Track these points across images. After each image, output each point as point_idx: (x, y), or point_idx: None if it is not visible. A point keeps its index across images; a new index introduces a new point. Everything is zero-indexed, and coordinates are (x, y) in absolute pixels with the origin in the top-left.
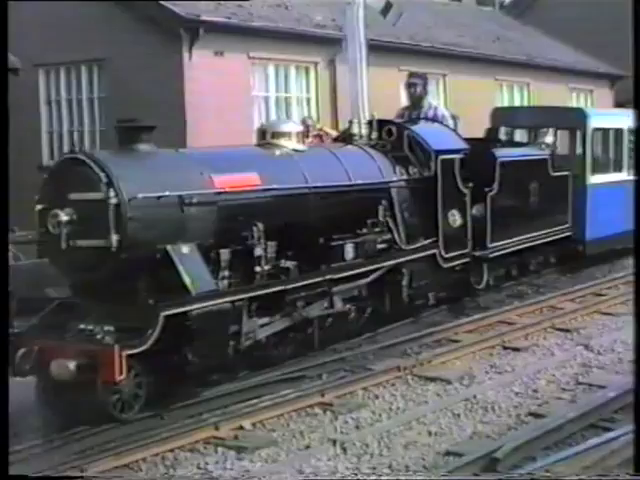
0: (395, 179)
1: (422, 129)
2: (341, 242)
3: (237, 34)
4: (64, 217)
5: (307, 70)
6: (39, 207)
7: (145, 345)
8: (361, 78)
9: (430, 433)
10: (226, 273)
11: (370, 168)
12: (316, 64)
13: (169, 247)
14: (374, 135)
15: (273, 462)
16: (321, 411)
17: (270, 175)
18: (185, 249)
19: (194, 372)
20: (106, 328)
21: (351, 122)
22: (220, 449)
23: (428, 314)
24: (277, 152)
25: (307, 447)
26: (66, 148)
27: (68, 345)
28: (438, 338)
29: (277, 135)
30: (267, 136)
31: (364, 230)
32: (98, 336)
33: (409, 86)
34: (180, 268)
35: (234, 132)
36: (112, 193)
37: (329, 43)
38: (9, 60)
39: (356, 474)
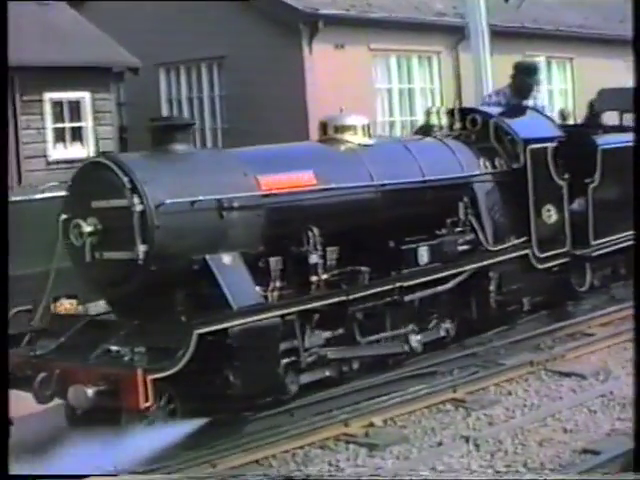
0: (478, 173)
1: (509, 117)
2: (414, 245)
3: (357, 26)
4: (87, 228)
5: (429, 60)
6: (63, 217)
7: (175, 368)
8: (485, 66)
9: (565, 430)
10: (277, 284)
11: (448, 162)
12: (439, 53)
13: (208, 257)
14: (457, 125)
15: (405, 459)
16: (453, 407)
17: (328, 174)
18: (226, 259)
19: (237, 396)
20: (137, 349)
21: (429, 112)
22: (351, 446)
23: (524, 321)
24: (339, 148)
25: (439, 444)
26: None
27: (88, 369)
28: (571, 332)
29: (341, 129)
30: (329, 130)
31: (442, 231)
32: (125, 358)
33: (518, 73)
34: (220, 280)
35: None
36: (136, 200)
37: (451, 31)
38: (130, 60)
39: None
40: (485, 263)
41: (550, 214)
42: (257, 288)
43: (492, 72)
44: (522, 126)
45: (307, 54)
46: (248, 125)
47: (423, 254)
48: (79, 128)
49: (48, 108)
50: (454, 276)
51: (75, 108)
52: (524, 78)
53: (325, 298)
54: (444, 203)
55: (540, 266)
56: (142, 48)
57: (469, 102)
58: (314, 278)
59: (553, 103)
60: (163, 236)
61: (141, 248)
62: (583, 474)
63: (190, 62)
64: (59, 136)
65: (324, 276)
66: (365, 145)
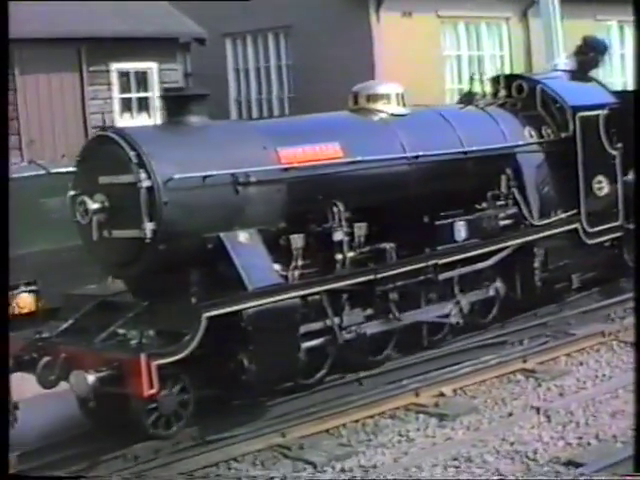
0: (522, 143)
1: (557, 83)
2: (450, 220)
3: None
4: (93, 205)
5: (498, 26)
6: (71, 193)
7: (183, 353)
8: (555, 31)
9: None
10: (300, 262)
11: (490, 132)
12: (507, 19)
13: (222, 235)
14: (502, 93)
15: (475, 430)
16: (523, 378)
17: (356, 145)
18: (243, 236)
19: (254, 382)
20: (146, 333)
21: (472, 79)
22: (421, 416)
23: (574, 299)
24: (369, 118)
25: (510, 415)
26: (255, 116)
27: (93, 353)
28: None
29: (373, 98)
30: (360, 100)
31: (482, 205)
32: (133, 342)
33: (585, 48)
34: (235, 259)
35: (426, 93)
36: (143, 175)
37: None
38: (196, 31)
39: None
40: (529, 239)
41: (601, 186)
42: (277, 267)
43: (562, 37)
44: (571, 92)
45: (374, 22)
46: (315, 94)
47: (460, 230)
48: (145, 98)
49: (115, 79)
50: (495, 253)
51: (142, 78)
52: (591, 54)
53: (351, 277)
54: (485, 175)
55: (590, 241)
56: (208, 19)
57: (539, 69)
58: (339, 256)
59: (625, 67)
60: (172, 213)
61: (148, 226)
62: (593, 474)
63: (257, 32)
64: (126, 106)
65: (350, 254)
66: (398, 115)
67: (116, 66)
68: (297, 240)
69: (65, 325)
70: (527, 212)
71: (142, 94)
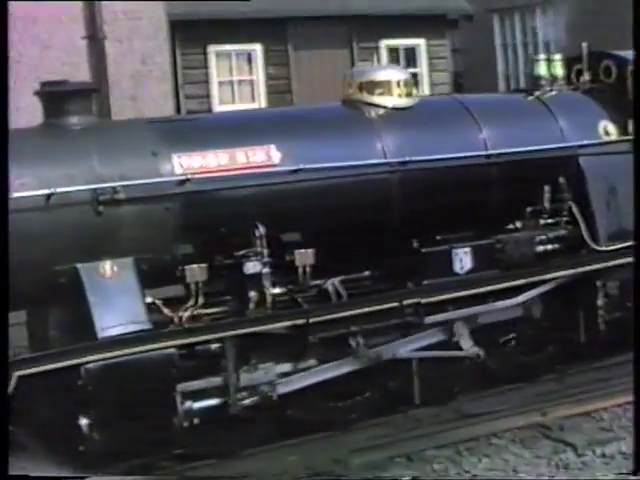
0: (586, 143)
1: None
2: (444, 247)
3: None
4: None
5: None
6: None
7: None
8: None
9: None
10: (200, 301)
11: (538, 129)
12: None
13: (80, 266)
14: (586, 77)
15: None
16: None
17: (306, 149)
18: (107, 268)
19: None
20: None
21: (535, 60)
22: None
23: None
24: (349, 113)
25: None
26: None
27: None
28: None
29: (367, 87)
30: (349, 89)
31: (516, 225)
32: None
33: None
34: (89, 296)
35: None
36: None
37: None
38: (464, 7)
39: None
40: (579, 270)
41: None
42: (163, 307)
43: None
44: None
45: None
46: None
47: (462, 258)
48: (414, 74)
49: (384, 54)
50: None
51: (411, 54)
52: None
53: (260, 322)
54: (521, 186)
55: None
56: None
57: None
58: (252, 294)
59: None
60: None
61: None
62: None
63: (524, 7)
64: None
65: (274, 290)
66: (398, 108)
67: (385, 42)
68: (194, 272)
69: None
70: (588, 233)
71: (411, 69)
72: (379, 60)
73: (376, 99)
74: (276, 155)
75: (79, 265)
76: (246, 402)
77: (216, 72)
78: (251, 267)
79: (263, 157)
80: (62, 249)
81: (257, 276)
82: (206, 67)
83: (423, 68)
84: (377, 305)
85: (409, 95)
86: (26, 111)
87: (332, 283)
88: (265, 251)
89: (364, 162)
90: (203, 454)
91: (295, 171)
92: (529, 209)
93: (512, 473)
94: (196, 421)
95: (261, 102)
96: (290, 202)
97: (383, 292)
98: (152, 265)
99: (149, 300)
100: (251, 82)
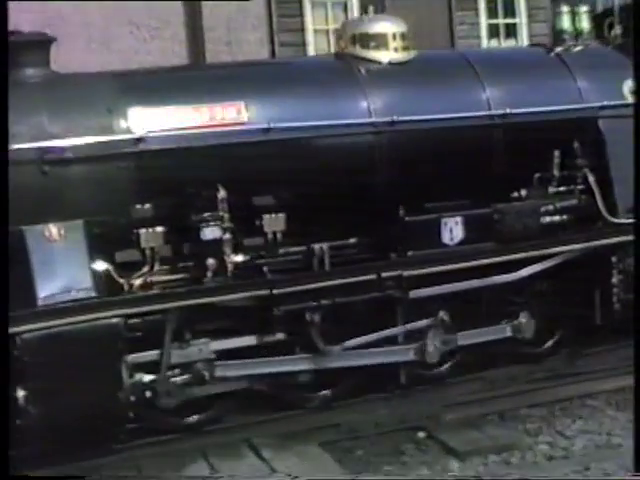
0: (606, 104)
1: None
2: (433, 215)
3: None
4: None
5: None
6: None
7: None
8: None
9: None
10: (155, 267)
11: (551, 88)
12: None
13: (25, 228)
14: (618, 30)
15: None
16: None
17: (277, 107)
18: (53, 231)
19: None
20: None
21: (558, 12)
22: None
23: None
24: (332, 68)
25: None
26: None
27: None
28: None
29: (360, 40)
30: (342, 42)
31: (521, 193)
32: None
33: None
34: (33, 261)
35: None
36: None
37: None
38: None
39: None
40: (589, 245)
41: None
42: (115, 274)
43: None
44: None
45: None
46: None
47: (451, 228)
48: (513, 24)
49: (483, 4)
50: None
51: (510, 4)
52: None
53: (210, 293)
54: (528, 151)
55: None
56: None
57: None
58: (211, 261)
59: None
60: None
61: None
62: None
63: None
64: (493, 32)
65: (236, 258)
66: (393, 64)
67: None
68: (148, 236)
69: None
70: (604, 204)
71: (510, 20)
72: (477, 9)
73: (370, 53)
74: (245, 113)
75: (24, 227)
76: (177, 380)
77: (311, 20)
78: (209, 233)
79: (231, 114)
80: (13, 210)
81: (216, 242)
82: (301, 15)
83: (522, 18)
84: (353, 277)
85: (406, 49)
86: None
87: (320, 247)
88: (226, 216)
89: (342, 122)
90: (164, 429)
91: (265, 130)
92: (537, 176)
93: (606, 436)
94: (148, 394)
95: None
96: (259, 164)
97: (360, 263)
98: (107, 228)
99: (104, 266)
100: None
